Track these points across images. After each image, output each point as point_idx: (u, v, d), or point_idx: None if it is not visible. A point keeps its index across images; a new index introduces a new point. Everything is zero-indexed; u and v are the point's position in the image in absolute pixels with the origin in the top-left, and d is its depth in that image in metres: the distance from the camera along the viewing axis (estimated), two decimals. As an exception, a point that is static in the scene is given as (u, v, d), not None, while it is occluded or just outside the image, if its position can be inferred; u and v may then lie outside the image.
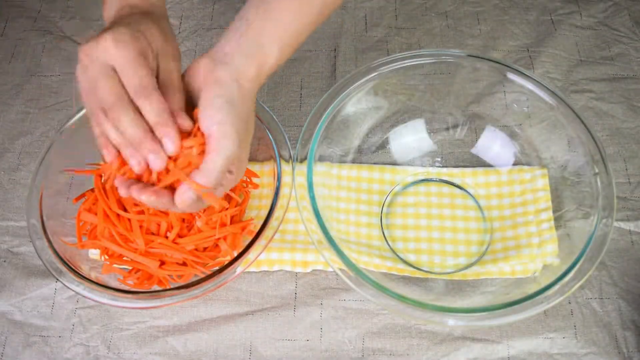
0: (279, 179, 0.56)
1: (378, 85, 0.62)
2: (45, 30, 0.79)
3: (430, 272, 0.60)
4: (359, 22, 0.78)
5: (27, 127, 0.71)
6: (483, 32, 0.77)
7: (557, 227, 0.59)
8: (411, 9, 0.79)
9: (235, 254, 0.55)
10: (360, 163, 0.66)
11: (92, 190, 0.59)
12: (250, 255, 0.53)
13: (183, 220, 0.58)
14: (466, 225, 0.62)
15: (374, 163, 0.66)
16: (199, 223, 0.57)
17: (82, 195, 0.60)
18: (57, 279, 0.52)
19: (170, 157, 0.44)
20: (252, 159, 0.64)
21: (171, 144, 0.43)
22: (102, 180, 0.47)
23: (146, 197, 0.43)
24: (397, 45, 0.76)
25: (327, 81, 0.73)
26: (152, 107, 0.42)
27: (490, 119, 0.66)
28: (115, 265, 0.57)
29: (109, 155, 0.44)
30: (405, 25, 0.78)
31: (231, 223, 0.59)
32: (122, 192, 0.44)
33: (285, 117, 0.71)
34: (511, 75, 0.60)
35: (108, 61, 0.42)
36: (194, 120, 0.45)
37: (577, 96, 0.71)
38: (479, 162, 0.66)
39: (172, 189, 0.45)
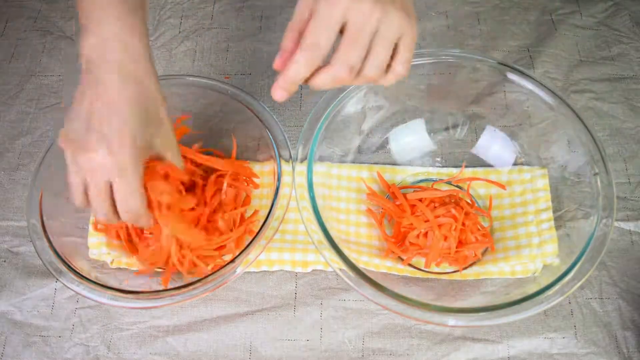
0: (279, 179, 0.56)
1: (378, 85, 0.62)
2: (45, 30, 0.79)
3: (430, 272, 0.60)
4: (359, 22, 0.78)
5: (27, 127, 0.71)
6: (483, 32, 0.77)
7: (557, 227, 0.59)
8: (411, 9, 0.79)
9: (237, 253, 0.55)
10: (360, 163, 0.66)
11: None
12: (250, 255, 0.53)
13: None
14: (466, 225, 0.62)
15: (374, 163, 0.66)
16: (220, 223, 0.57)
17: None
18: (57, 279, 0.52)
19: None
20: (252, 159, 0.64)
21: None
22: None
23: None
24: (397, 45, 0.76)
25: (327, 81, 0.73)
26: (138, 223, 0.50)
27: (490, 119, 0.66)
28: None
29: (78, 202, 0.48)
30: (405, 25, 0.78)
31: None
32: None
33: (285, 117, 0.71)
34: (511, 75, 0.60)
35: (104, 177, 0.45)
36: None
37: (577, 96, 0.71)
38: (479, 162, 0.66)
39: None
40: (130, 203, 0.47)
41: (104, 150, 0.44)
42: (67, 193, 0.59)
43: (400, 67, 0.44)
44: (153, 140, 0.47)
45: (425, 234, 0.59)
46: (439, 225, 0.58)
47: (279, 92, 0.44)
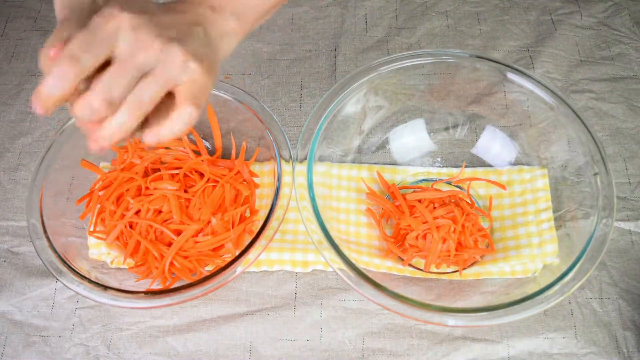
0: (279, 179, 0.56)
1: (378, 85, 0.62)
2: (45, 30, 0.79)
3: (430, 272, 0.60)
4: (359, 22, 0.78)
5: (27, 127, 0.71)
6: (483, 32, 0.77)
7: (557, 227, 0.59)
8: (411, 8, 0.79)
9: (237, 253, 0.55)
10: (360, 163, 0.66)
11: (93, 191, 0.60)
12: (250, 255, 0.53)
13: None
14: (466, 225, 0.62)
15: (374, 163, 0.66)
16: (213, 221, 0.57)
17: (84, 197, 0.60)
18: (57, 279, 0.52)
19: None
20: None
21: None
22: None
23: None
24: (397, 45, 0.76)
25: (327, 81, 0.73)
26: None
27: (490, 119, 0.66)
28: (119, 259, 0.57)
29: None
30: (405, 25, 0.78)
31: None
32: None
33: (285, 117, 0.71)
34: (511, 75, 0.60)
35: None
36: None
37: (577, 96, 0.71)
38: (479, 162, 0.66)
39: None
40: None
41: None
42: (67, 192, 0.60)
43: (175, 123, 0.38)
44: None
45: (424, 236, 0.59)
46: (437, 227, 0.58)
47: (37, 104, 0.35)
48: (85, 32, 0.35)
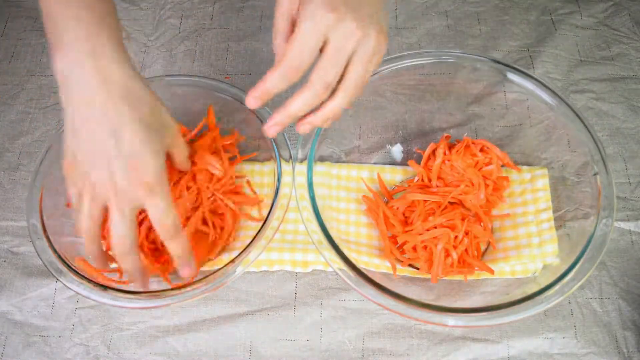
0: (279, 179, 0.56)
1: (378, 86, 0.62)
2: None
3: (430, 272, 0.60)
4: (359, 22, 0.78)
5: (27, 127, 0.71)
6: (483, 32, 0.77)
7: (557, 227, 0.58)
8: (411, 8, 0.79)
9: (237, 253, 0.55)
10: (360, 163, 0.66)
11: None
12: (250, 255, 0.53)
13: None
14: (466, 225, 0.62)
15: (374, 163, 0.66)
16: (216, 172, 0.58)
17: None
18: (57, 279, 0.52)
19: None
20: (253, 159, 0.64)
21: (187, 274, 0.50)
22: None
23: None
24: (397, 45, 0.76)
25: (327, 81, 0.73)
26: (177, 247, 0.47)
27: (490, 119, 0.66)
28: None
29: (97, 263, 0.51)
30: (405, 25, 0.78)
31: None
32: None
33: (285, 117, 0.71)
34: (511, 75, 0.60)
35: (138, 206, 0.45)
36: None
37: (577, 96, 0.71)
38: (479, 162, 0.66)
39: None
40: (169, 219, 0.46)
41: (128, 173, 0.43)
42: (68, 194, 0.59)
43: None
44: (166, 143, 0.48)
45: (425, 247, 0.58)
46: (436, 238, 0.57)
47: (253, 100, 0.45)
48: (298, 40, 0.43)
